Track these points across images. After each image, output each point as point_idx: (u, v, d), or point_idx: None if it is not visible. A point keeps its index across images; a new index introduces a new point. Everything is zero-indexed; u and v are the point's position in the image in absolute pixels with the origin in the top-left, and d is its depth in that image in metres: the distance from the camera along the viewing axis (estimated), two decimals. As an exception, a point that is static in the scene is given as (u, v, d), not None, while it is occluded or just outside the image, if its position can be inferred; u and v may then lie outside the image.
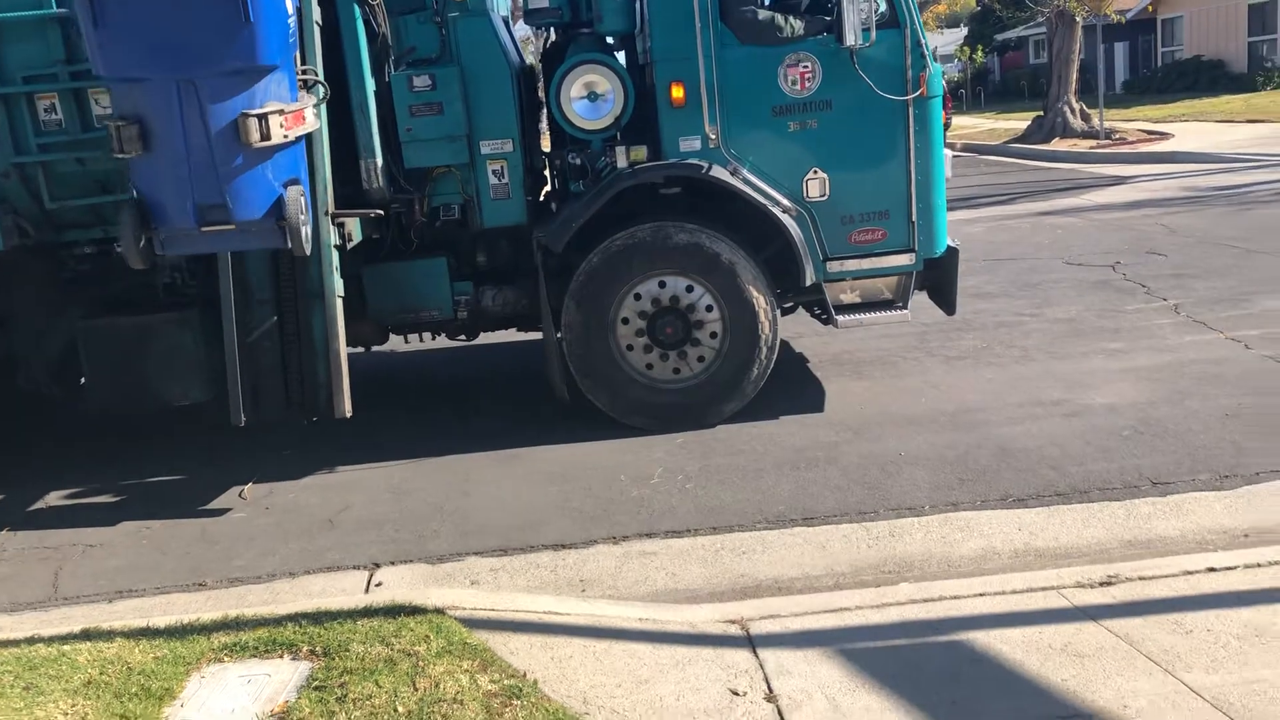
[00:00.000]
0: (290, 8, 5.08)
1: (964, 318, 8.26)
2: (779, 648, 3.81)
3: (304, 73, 5.36)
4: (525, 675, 3.67)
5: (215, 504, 5.94)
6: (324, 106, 5.55)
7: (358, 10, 5.98)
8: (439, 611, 4.08)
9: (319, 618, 4.10)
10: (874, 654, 3.72)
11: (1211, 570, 4.11)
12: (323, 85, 5.51)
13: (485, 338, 7.45)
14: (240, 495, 6.04)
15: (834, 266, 6.51)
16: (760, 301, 6.33)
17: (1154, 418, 6.06)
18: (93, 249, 6.26)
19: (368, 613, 4.11)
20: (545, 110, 7.01)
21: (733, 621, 4.02)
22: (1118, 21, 25.93)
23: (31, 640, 4.14)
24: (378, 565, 5.04)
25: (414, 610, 4.09)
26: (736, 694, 3.54)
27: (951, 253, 6.70)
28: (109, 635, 4.14)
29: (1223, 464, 5.36)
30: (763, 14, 6.33)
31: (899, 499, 5.29)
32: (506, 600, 4.36)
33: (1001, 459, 5.66)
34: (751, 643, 3.86)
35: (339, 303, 5.78)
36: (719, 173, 6.28)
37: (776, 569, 4.69)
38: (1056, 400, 6.50)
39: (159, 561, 5.28)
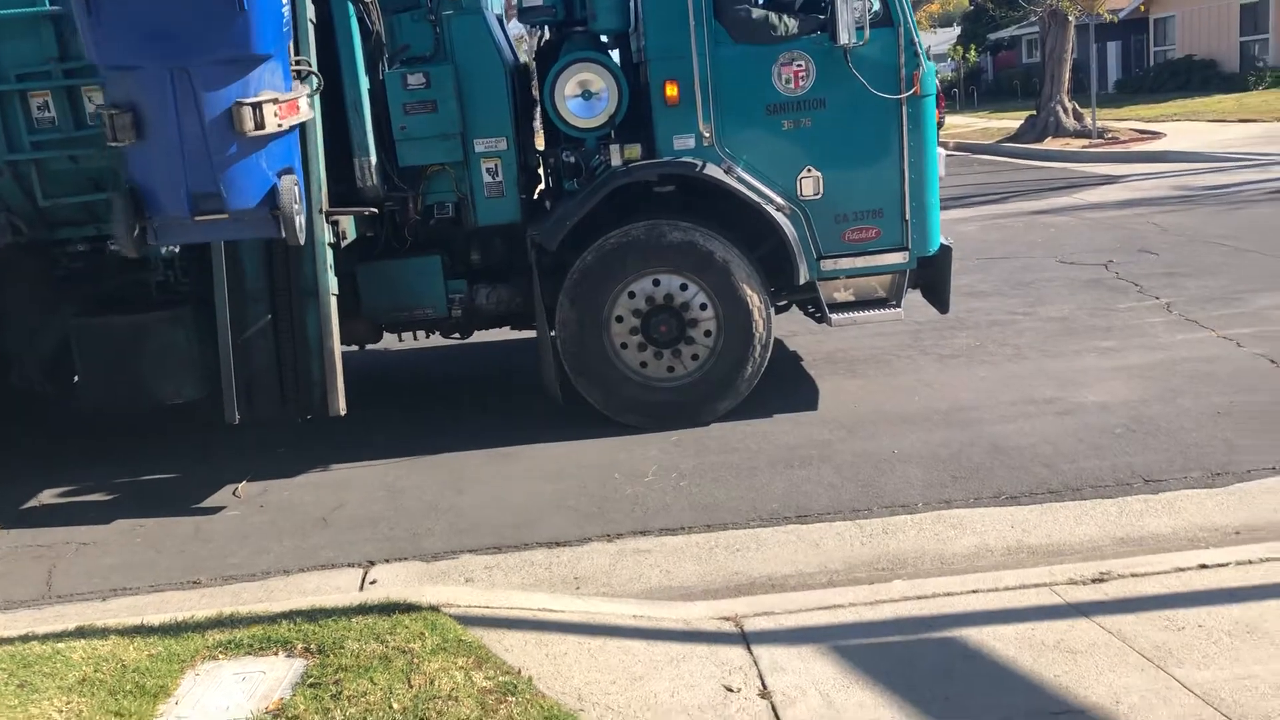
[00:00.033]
0: (284, -3, 5.08)
1: (957, 316, 8.28)
2: (773, 644, 3.81)
3: (298, 63, 5.34)
4: (520, 672, 3.67)
5: (209, 502, 5.94)
6: (318, 98, 5.54)
7: (352, 8, 5.97)
8: (433, 609, 4.08)
9: (313, 615, 4.09)
10: (867, 650, 3.73)
11: (1203, 567, 4.13)
12: (316, 76, 5.50)
13: (479, 336, 7.44)
14: (234, 493, 6.04)
15: (828, 265, 6.52)
16: (754, 300, 6.34)
17: (1146, 416, 6.08)
18: (86, 246, 6.26)
19: (362, 610, 4.11)
20: (539, 108, 7.01)
21: (727, 618, 4.03)
22: (1110, 21, 25.96)
23: (26, 638, 4.14)
24: (372, 563, 5.04)
25: (408, 608, 4.09)
26: (731, 690, 3.55)
27: (945, 251, 6.71)
28: (103, 633, 4.13)
29: (1214, 461, 5.38)
30: (757, 12, 6.34)
31: (892, 496, 5.30)
32: (501, 597, 4.36)
33: (994, 457, 5.68)
34: (746, 639, 3.87)
35: (333, 300, 5.77)
36: (713, 171, 6.28)
37: (770, 566, 4.70)
38: (1049, 398, 6.52)
39: (153, 559, 5.28)
